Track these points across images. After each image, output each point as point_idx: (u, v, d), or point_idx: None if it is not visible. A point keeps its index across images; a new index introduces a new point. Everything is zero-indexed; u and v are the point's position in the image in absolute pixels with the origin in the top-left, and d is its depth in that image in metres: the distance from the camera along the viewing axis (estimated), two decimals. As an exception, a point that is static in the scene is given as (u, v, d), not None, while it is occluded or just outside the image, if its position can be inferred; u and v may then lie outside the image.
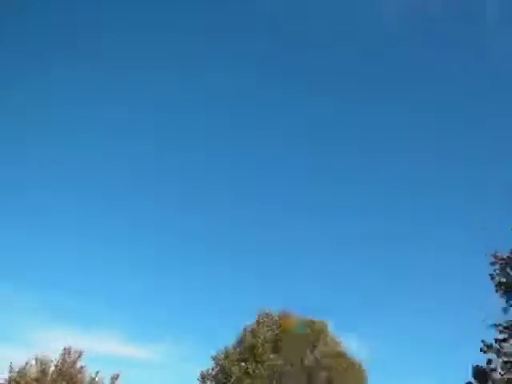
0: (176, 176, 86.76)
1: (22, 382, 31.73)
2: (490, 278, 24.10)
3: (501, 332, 23.23)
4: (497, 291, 23.98)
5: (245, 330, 38.82)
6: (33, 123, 76.03)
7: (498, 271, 23.92)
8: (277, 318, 38.94)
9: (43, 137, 79.41)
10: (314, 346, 37.84)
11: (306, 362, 36.82)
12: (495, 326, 23.39)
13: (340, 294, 70.45)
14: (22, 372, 32.47)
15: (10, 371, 32.96)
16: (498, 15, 70.38)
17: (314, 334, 38.08)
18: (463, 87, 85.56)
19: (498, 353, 23.01)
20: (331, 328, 39.11)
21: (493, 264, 24.12)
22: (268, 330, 37.84)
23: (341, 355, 37.70)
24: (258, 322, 38.94)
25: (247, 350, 37.41)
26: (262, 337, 37.27)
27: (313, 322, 38.60)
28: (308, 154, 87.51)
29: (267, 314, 39.37)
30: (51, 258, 74.00)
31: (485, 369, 23.51)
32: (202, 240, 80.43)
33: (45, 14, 72.66)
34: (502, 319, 23.45)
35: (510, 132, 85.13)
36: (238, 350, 38.09)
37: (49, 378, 31.48)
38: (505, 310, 23.57)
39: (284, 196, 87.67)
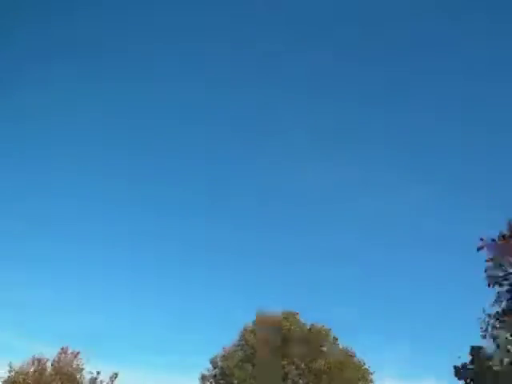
0: (176, 180, 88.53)
1: (20, 380, 32.16)
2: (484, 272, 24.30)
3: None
4: (489, 285, 24.24)
5: (245, 330, 38.07)
6: (33, 126, 77.69)
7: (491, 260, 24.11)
8: (278, 319, 37.88)
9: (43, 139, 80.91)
10: (320, 348, 36.92)
11: (313, 366, 35.77)
12: (489, 315, 23.83)
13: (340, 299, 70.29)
14: (21, 371, 32.92)
15: (9, 371, 33.40)
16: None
17: (319, 336, 37.23)
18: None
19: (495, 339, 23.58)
20: (333, 332, 38.08)
21: (480, 249, 24.30)
22: (270, 331, 36.89)
23: (348, 359, 36.84)
24: (257, 323, 38.13)
25: (249, 351, 36.71)
26: (264, 338, 36.36)
27: (316, 326, 37.76)
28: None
29: (266, 314, 38.46)
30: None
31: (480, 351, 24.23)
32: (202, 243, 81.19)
33: (45, 13, 74.57)
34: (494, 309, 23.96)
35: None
36: (239, 351, 37.44)
37: (46, 377, 31.97)
38: (496, 301, 23.99)
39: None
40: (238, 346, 37.88)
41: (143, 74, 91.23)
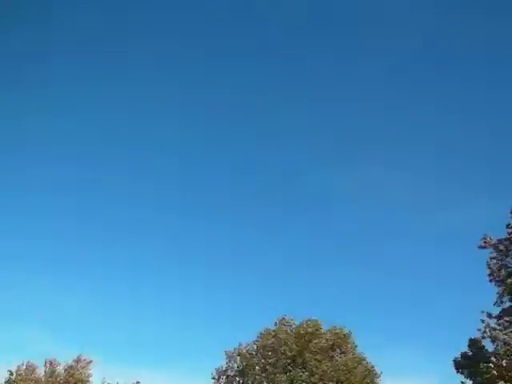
0: (176, 180, 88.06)
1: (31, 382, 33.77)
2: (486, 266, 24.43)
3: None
4: (491, 281, 24.34)
5: (266, 330, 38.06)
6: (33, 125, 78.35)
7: (494, 260, 24.27)
8: (298, 325, 37.87)
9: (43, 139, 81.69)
10: (340, 355, 36.55)
11: (332, 374, 35.15)
12: (489, 315, 23.85)
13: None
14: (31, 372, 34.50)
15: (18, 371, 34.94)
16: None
17: (339, 344, 36.96)
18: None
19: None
20: (354, 338, 37.82)
21: (482, 248, 24.56)
22: (291, 337, 36.75)
23: (366, 371, 36.37)
24: (278, 327, 38.01)
25: (267, 352, 36.75)
26: (285, 342, 36.19)
27: (337, 332, 37.51)
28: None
29: (287, 321, 38.43)
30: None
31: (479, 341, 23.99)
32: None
33: (45, 13, 73.41)
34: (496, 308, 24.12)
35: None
36: (258, 351, 37.59)
37: (58, 380, 33.59)
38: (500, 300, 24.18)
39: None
40: (255, 347, 38.05)
41: (143, 74, 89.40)
